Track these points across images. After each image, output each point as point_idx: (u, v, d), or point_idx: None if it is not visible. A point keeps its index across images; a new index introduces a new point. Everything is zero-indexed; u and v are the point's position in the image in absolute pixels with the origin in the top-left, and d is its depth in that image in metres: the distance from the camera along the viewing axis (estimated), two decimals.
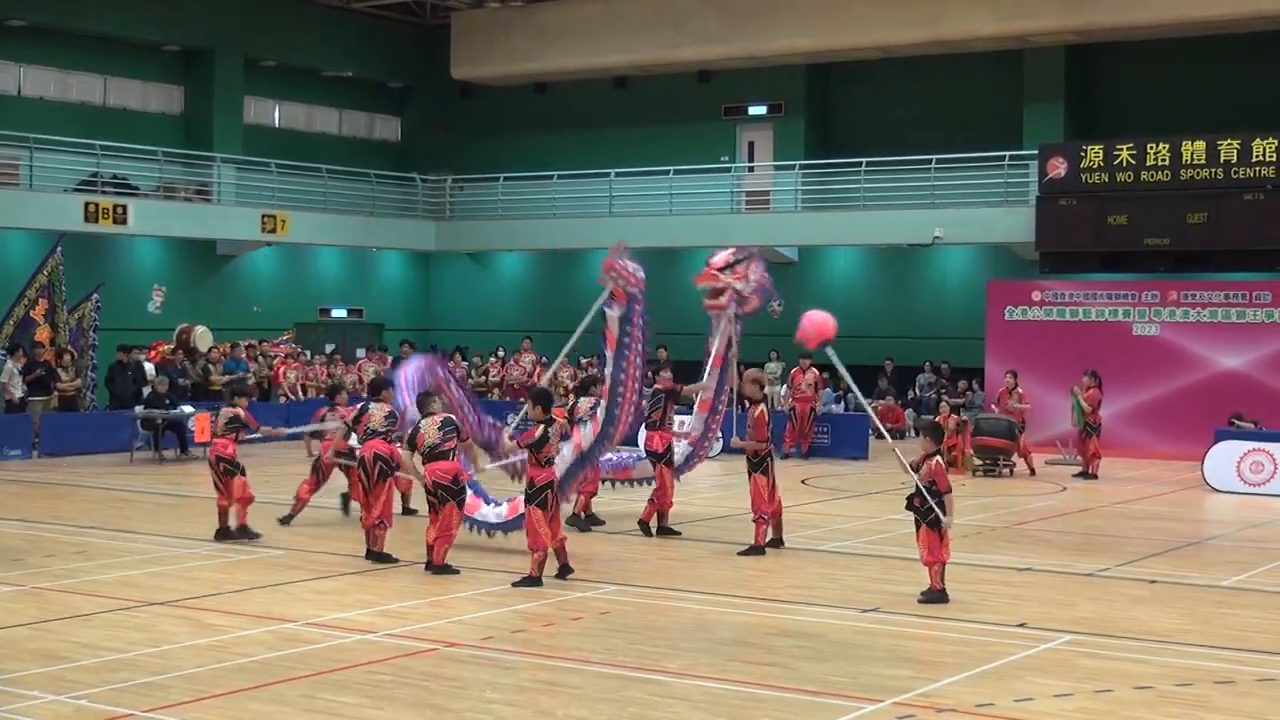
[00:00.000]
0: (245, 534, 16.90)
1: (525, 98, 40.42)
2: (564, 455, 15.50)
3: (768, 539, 16.51)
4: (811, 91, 37.12)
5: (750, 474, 16.49)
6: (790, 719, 9.76)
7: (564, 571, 14.48)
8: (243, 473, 16.96)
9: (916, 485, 13.66)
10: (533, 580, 14.15)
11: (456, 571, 14.72)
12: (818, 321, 15.41)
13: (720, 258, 17.83)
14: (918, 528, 13.68)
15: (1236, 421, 25.40)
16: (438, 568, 14.73)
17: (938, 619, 12.92)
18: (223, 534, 16.95)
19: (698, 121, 38.15)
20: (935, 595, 13.56)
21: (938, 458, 13.66)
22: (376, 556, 15.50)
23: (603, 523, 18.29)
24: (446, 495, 14.68)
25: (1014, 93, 34.16)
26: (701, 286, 18.01)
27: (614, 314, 16.12)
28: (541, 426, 14.33)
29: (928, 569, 13.67)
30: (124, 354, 28.41)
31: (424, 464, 14.71)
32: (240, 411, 17.26)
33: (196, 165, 35.23)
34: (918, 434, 17.82)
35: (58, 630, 12.10)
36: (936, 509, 13.49)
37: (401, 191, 39.04)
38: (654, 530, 17.67)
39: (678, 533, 17.75)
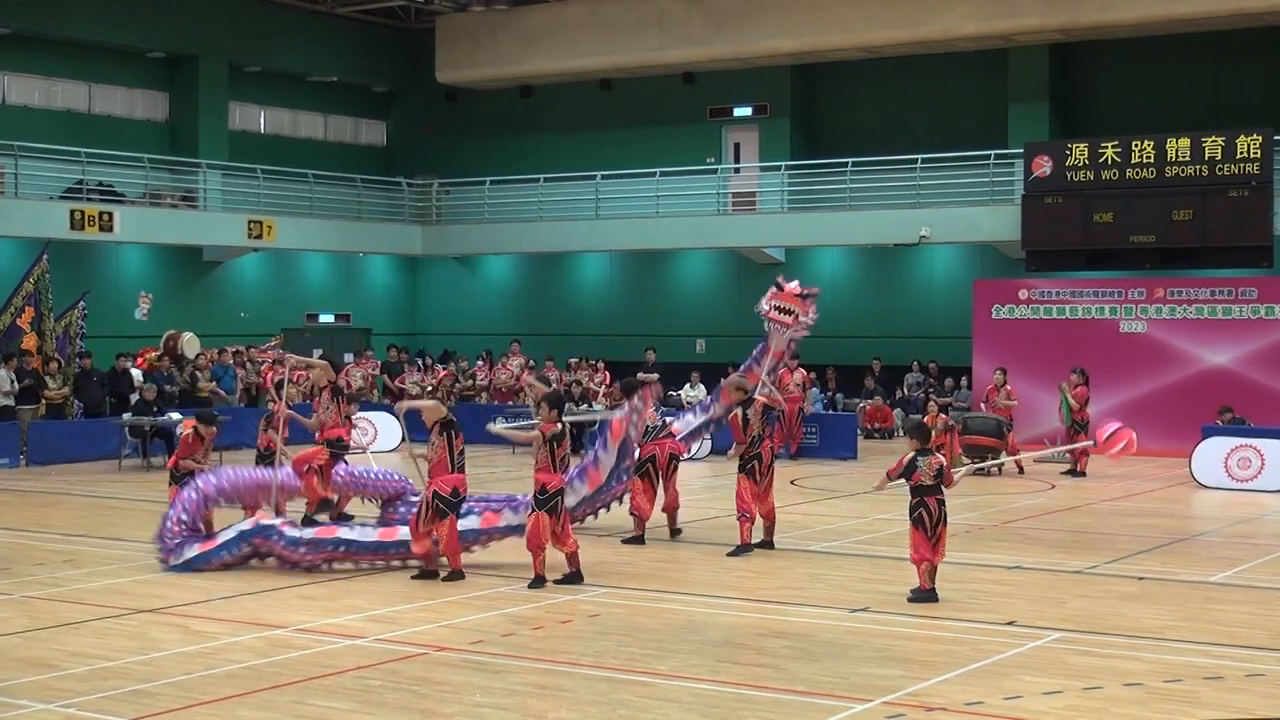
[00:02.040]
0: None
1: (510, 101, 40.42)
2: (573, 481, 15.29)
3: (758, 540, 16.55)
4: (796, 92, 37.14)
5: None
6: (780, 719, 9.79)
7: (572, 579, 14.47)
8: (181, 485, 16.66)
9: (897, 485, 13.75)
10: (540, 580, 14.28)
11: (462, 576, 14.80)
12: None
13: (793, 286, 18.87)
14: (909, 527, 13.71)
15: (1227, 412, 25.36)
16: (452, 573, 14.83)
17: (927, 618, 12.93)
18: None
19: (683, 123, 38.17)
20: (924, 595, 13.57)
21: (930, 457, 13.68)
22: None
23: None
24: (446, 509, 14.70)
25: (998, 92, 34.21)
26: (777, 303, 18.49)
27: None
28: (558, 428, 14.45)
29: (916, 568, 13.68)
30: (85, 361, 28.42)
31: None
32: (188, 431, 17.10)
33: (182, 172, 35.18)
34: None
35: (47, 639, 12.08)
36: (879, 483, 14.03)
37: (387, 196, 39.02)
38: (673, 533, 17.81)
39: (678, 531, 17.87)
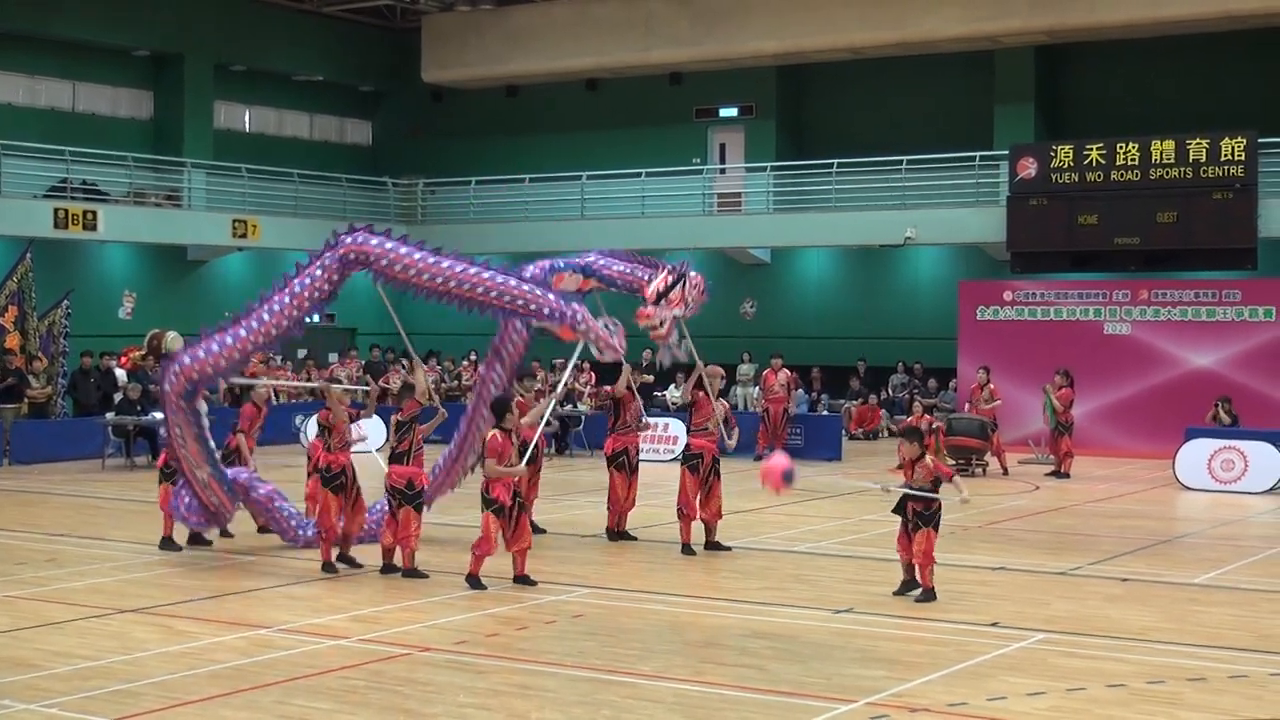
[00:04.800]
0: (167, 546, 16.70)
1: (496, 101, 40.39)
2: None
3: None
4: (782, 93, 37.16)
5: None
6: None
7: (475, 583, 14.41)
8: (171, 481, 16.69)
9: (907, 491, 13.69)
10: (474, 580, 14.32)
11: (426, 576, 14.73)
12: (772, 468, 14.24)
13: (652, 289, 16.39)
14: (915, 530, 13.68)
15: (1223, 404, 25.36)
16: (407, 571, 14.81)
17: (911, 619, 12.94)
18: (194, 540, 16.89)
19: (669, 124, 38.17)
20: (929, 594, 13.60)
21: (927, 456, 13.72)
22: (344, 561, 15.59)
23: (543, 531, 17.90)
24: (401, 500, 14.71)
25: (984, 93, 34.26)
26: (644, 325, 17.10)
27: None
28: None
29: (921, 570, 13.67)
30: (88, 358, 28.35)
31: (387, 464, 14.95)
32: None
33: (167, 170, 35.09)
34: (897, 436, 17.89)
35: (29, 638, 12.04)
36: (958, 489, 13.74)
37: (373, 195, 38.96)
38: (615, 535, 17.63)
39: (633, 537, 17.63)
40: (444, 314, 18.13)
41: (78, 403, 28.34)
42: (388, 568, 15.00)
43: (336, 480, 15.39)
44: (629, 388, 17.59)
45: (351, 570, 15.29)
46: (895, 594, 13.88)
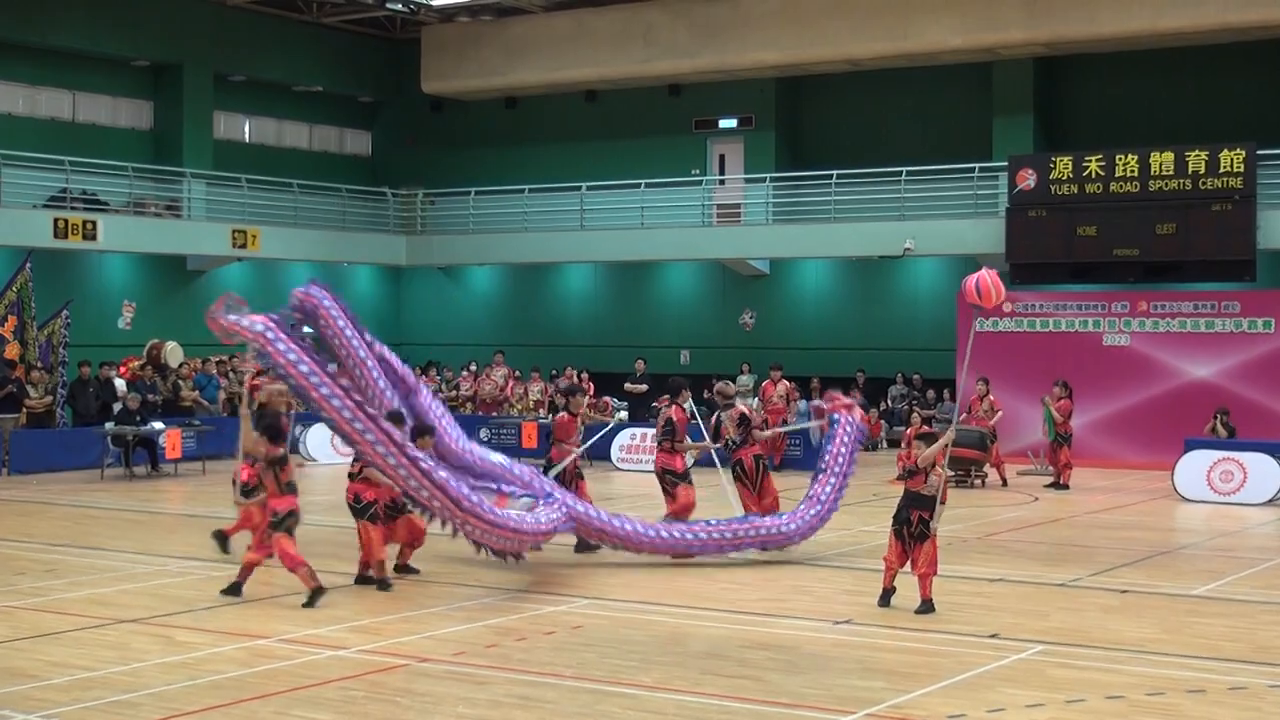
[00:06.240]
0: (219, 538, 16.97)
1: (496, 112, 40.43)
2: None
3: None
4: (781, 104, 37.19)
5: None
6: None
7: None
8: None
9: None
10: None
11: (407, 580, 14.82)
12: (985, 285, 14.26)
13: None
14: (922, 539, 13.68)
15: (1221, 417, 25.41)
16: (380, 582, 14.99)
17: (909, 630, 12.94)
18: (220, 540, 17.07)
19: (668, 135, 38.20)
20: (928, 605, 13.60)
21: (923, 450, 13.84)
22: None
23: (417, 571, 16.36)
24: (354, 513, 15.02)
25: (983, 105, 34.29)
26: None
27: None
28: None
29: (925, 580, 13.68)
30: (86, 368, 28.35)
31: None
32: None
33: (166, 180, 35.10)
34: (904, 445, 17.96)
35: (27, 649, 12.04)
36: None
37: (372, 206, 38.99)
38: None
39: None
40: (439, 325, 18.11)
41: (77, 413, 28.34)
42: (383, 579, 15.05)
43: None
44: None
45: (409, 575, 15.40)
46: (880, 604, 13.87)
